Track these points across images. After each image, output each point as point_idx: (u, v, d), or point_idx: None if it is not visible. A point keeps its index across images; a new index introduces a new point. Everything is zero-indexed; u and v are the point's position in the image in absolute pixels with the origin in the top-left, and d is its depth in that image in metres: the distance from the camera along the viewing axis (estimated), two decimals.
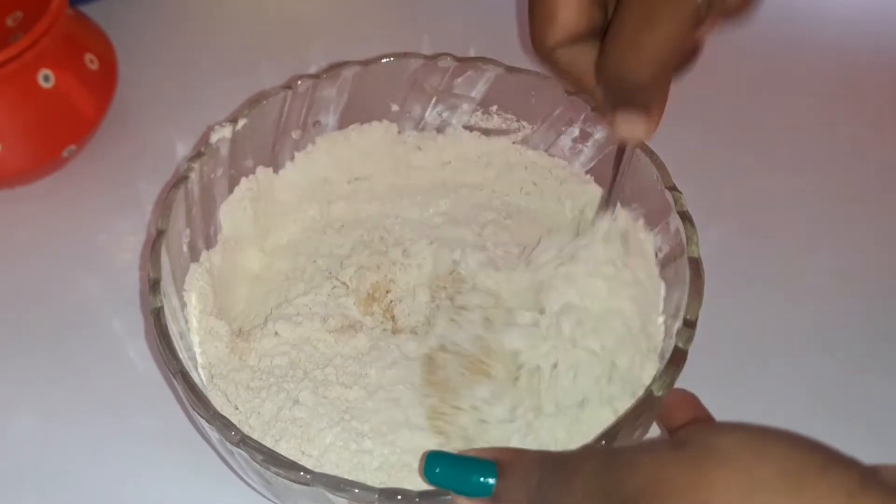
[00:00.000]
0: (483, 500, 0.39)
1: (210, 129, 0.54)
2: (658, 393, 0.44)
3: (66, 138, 0.63)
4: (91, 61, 0.65)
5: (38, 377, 0.57)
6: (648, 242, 0.53)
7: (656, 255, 0.54)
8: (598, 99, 0.47)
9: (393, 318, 0.54)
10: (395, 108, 0.60)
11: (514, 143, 0.61)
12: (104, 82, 0.66)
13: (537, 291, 0.51)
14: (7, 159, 0.62)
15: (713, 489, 0.32)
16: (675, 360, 0.46)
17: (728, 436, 0.33)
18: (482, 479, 0.39)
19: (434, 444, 0.48)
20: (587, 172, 0.59)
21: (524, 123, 0.60)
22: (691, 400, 0.48)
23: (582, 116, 0.57)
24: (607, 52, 0.45)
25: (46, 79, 0.62)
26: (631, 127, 0.44)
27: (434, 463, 0.40)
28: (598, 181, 0.59)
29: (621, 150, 0.50)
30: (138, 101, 0.71)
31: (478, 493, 0.39)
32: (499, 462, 0.39)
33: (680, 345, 0.46)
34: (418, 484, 0.41)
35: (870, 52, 0.75)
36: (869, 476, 0.32)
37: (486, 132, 0.61)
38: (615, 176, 0.50)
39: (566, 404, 0.48)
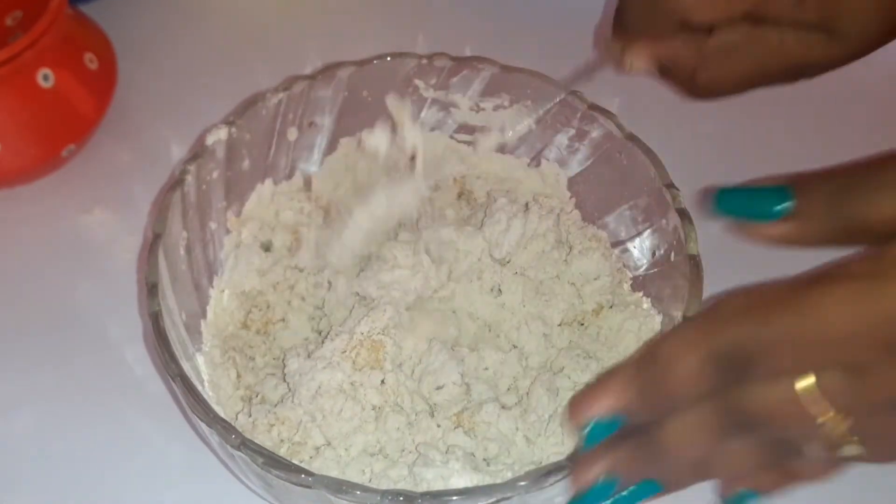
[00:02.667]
0: (781, 222, 0.38)
1: (206, 131, 0.54)
2: None
3: (65, 138, 0.63)
4: (90, 61, 0.65)
5: (36, 377, 0.58)
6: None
7: (653, 254, 0.54)
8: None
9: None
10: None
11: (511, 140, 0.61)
12: (103, 82, 0.66)
13: None
14: (6, 159, 0.62)
15: None
16: None
17: None
18: (777, 201, 0.38)
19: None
20: (581, 172, 0.59)
21: (521, 123, 0.60)
22: None
23: (578, 115, 0.57)
24: None
25: (46, 78, 0.62)
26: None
27: (724, 198, 0.40)
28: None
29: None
30: (138, 101, 0.71)
31: (775, 214, 0.38)
32: (792, 183, 0.38)
33: None
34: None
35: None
36: None
37: (483, 131, 0.61)
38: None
39: None
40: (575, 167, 0.59)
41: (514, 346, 0.53)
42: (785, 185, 0.38)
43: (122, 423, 0.56)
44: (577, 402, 0.38)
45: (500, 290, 0.54)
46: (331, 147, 0.61)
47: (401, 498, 0.41)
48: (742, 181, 0.39)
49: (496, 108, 0.60)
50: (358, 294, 0.54)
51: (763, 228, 0.39)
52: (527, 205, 0.57)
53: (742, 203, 0.39)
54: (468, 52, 0.61)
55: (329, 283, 0.55)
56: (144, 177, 0.67)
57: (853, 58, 0.48)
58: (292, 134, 0.58)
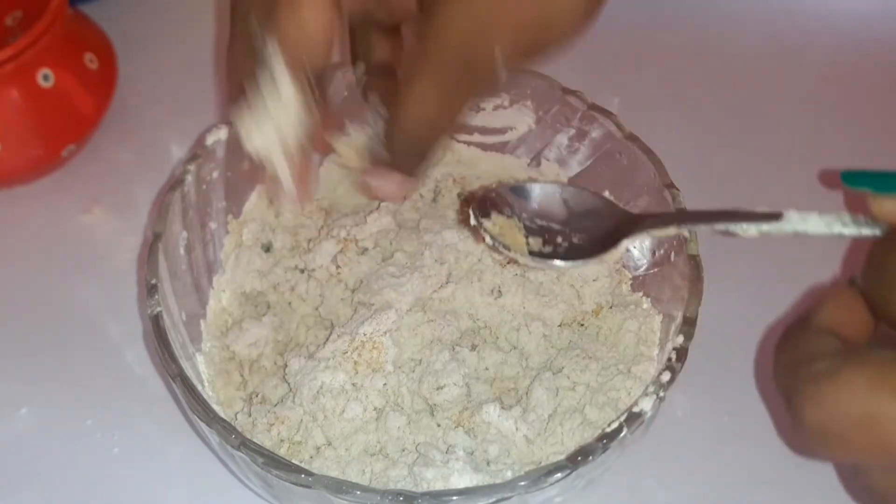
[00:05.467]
0: None
1: (206, 131, 0.54)
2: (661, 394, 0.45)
3: (65, 138, 0.64)
4: (90, 61, 0.65)
5: (36, 377, 0.58)
6: None
7: (653, 254, 0.54)
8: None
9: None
10: None
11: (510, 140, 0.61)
12: (103, 82, 0.66)
13: None
14: (6, 159, 0.62)
15: None
16: (679, 357, 0.46)
17: None
18: None
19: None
20: (581, 173, 0.59)
21: (521, 123, 0.60)
22: None
23: (578, 115, 0.57)
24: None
25: (46, 78, 0.62)
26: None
27: (853, 177, 0.42)
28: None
29: None
30: (138, 101, 0.71)
31: None
32: None
33: (680, 342, 0.46)
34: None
35: (870, 50, 0.75)
36: None
37: (483, 132, 0.61)
38: None
39: None
40: (575, 167, 0.59)
41: (514, 347, 0.53)
42: None
43: (122, 424, 0.56)
44: None
45: (500, 291, 0.54)
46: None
47: (401, 498, 0.41)
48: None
49: (496, 108, 0.60)
50: (361, 303, 0.54)
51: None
52: None
53: (869, 180, 0.41)
54: None
55: None
56: (144, 177, 0.67)
57: None
58: None
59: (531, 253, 0.47)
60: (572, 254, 0.47)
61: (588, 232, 0.47)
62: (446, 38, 0.38)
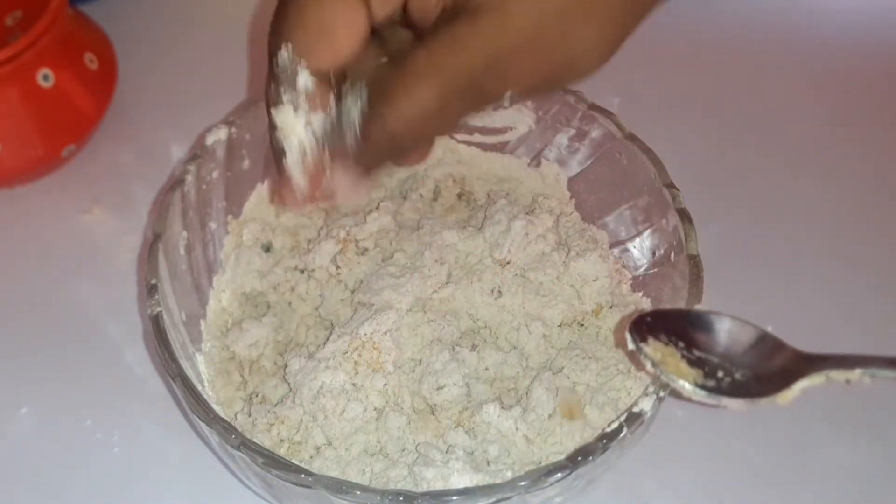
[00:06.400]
0: None
1: (206, 131, 0.54)
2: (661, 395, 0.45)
3: (65, 138, 0.64)
4: (91, 61, 0.65)
5: (36, 377, 0.58)
6: None
7: (653, 254, 0.54)
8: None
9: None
10: None
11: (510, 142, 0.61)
12: (104, 82, 0.66)
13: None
14: (6, 159, 0.62)
15: None
16: None
17: None
18: None
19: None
20: (581, 173, 0.59)
21: (521, 123, 0.60)
22: None
23: (578, 115, 0.57)
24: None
25: (46, 78, 0.62)
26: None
27: None
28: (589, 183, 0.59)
29: None
30: (138, 101, 0.71)
31: None
32: None
33: None
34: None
35: (870, 50, 0.75)
36: None
37: (483, 132, 0.61)
38: None
39: None
40: (575, 167, 0.59)
41: (514, 347, 0.53)
42: None
43: (122, 424, 0.56)
44: None
45: (500, 291, 0.54)
46: None
47: (401, 498, 0.41)
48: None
49: (496, 107, 0.60)
50: (361, 303, 0.54)
51: None
52: (532, 204, 0.57)
53: None
54: None
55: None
56: (144, 177, 0.67)
57: None
58: None
59: (697, 385, 0.44)
60: (737, 391, 0.43)
61: (752, 369, 0.44)
62: (464, 61, 0.38)
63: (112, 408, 0.56)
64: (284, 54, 0.39)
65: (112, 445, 0.55)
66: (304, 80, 0.40)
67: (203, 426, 0.44)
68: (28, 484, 0.54)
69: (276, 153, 0.42)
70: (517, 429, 0.48)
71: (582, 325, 0.54)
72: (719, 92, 0.72)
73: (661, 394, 0.45)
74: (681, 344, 0.44)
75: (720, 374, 0.44)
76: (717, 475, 0.53)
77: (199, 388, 0.46)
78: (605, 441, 0.43)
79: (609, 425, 0.44)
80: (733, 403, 0.43)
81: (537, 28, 0.37)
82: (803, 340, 0.58)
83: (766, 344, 0.45)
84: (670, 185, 0.52)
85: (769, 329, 0.45)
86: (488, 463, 0.48)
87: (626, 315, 0.53)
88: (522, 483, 0.42)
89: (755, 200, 0.66)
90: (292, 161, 0.42)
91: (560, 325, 0.54)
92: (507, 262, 0.55)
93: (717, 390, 0.43)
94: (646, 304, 0.54)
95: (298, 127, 0.41)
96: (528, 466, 0.48)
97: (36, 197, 0.66)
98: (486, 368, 0.52)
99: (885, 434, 0.55)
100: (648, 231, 0.55)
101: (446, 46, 0.38)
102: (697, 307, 0.48)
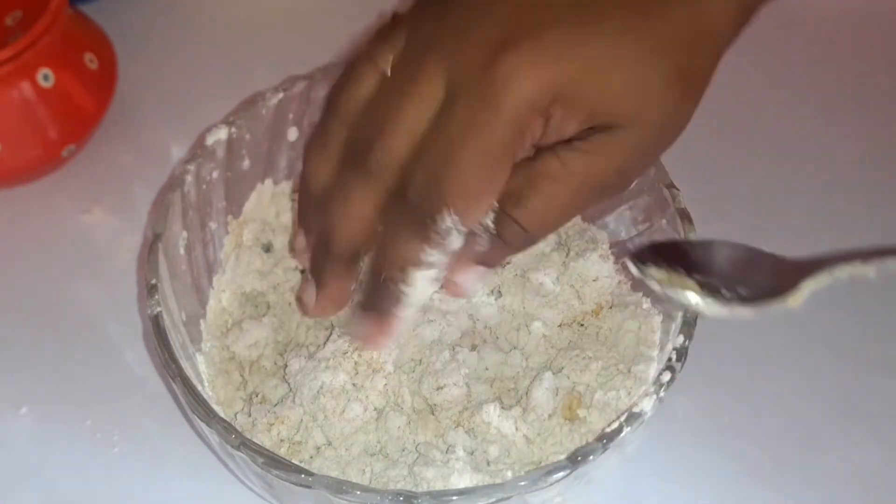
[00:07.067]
0: None
1: (206, 131, 0.54)
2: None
3: (65, 138, 0.64)
4: (91, 61, 0.65)
5: (36, 377, 0.58)
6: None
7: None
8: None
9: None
10: None
11: None
12: (104, 82, 0.66)
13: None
14: (6, 159, 0.62)
15: None
16: (679, 357, 0.46)
17: None
18: None
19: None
20: None
21: None
22: None
23: None
24: None
25: (46, 78, 0.62)
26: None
27: None
28: None
29: None
30: (138, 101, 0.71)
31: None
32: None
33: (680, 342, 0.46)
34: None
35: (869, 49, 0.75)
36: None
37: None
38: None
39: None
40: None
41: (514, 347, 0.53)
42: None
43: (122, 423, 0.56)
44: None
45: (500, 292, 0.54)
46: None
47: (401, 498, 0.41)
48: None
49: None
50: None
51: None
52: None
53: None
54: None
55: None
56: (144, 177, 0.67)
57: None
58: (292, 134, 0.58)
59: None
60: (744, 302, 0.44)
61: (755, 284, 0.44)
62: (600, 167, 0.41)
63: (112, 408, 0.56)
64: (448, 220, 0.40)
65: (112, 445, 0.55)
66: (457, 241, 0.41)
67: (203, 426, 0.44)
68: (28, 484, 0.54)
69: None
70: (517, 429, 0.48)
71: (582, 325, 0.54)
72: (719, 91, 0.72)
73: (661, 394, 0.45)
74: (681, 270, 0.45)
75: (724, 292, 0.44)
76: (717, 475, 0.53)
77: (199, 388, 0.46)
78: (605, 441, 0.43)
79: (609, 425, 0.44)
80: (744, 311, 0.43)
81: (662, 129, 0.41)
82: (802, 338, 0.59)
83: (766, 259, 0.46)
84: (670, 186, 0.52)
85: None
86: (488, 463, 0.48)
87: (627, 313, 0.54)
88: (522, 483, 0.42)
89: (755, 200, 0.66)
90: (404, 315, 0.45)
91: (560, 325, 0.54)
92: (507, 262, 0.55)
93: (726, 302, 0.44)
94: (646, 304, 0.54)
95: (431, 291, 0.44)
96: (528, 466, 0.48)
97: (36, 197, 0.66)
98: (486, 368, 0.52)
99: (886, 434, 0.55)
100: (648, 231, 0.55)
101: (583, 153, 0.40)
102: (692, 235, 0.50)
